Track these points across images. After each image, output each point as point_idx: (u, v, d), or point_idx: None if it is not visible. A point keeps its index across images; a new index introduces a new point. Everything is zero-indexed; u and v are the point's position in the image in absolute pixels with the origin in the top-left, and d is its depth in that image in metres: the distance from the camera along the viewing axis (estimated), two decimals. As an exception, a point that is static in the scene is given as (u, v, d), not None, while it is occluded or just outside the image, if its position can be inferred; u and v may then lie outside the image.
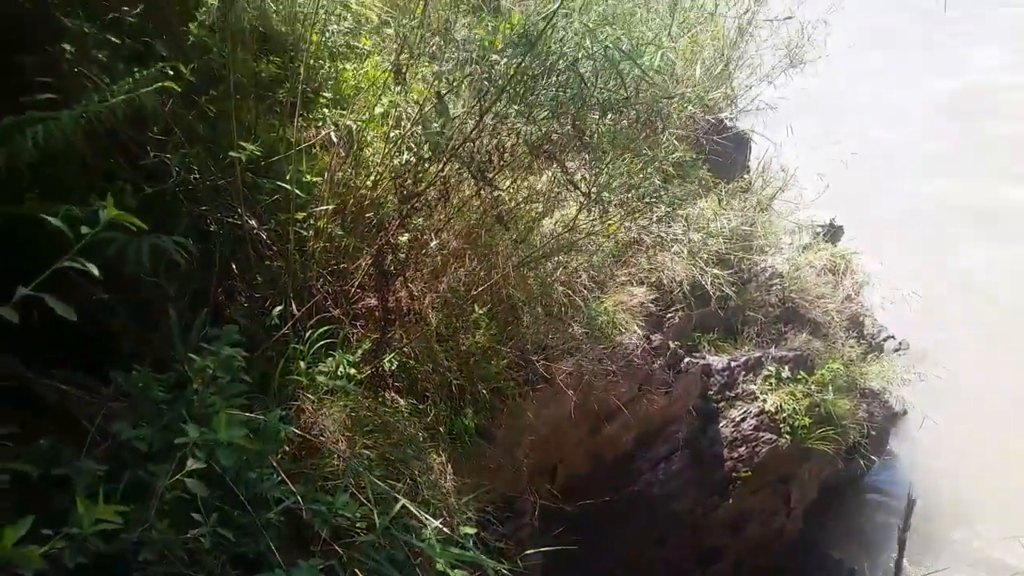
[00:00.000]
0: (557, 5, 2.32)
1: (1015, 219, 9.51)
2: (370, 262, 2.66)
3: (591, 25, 2.30)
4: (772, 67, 4.60)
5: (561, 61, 2.29)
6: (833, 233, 6.66)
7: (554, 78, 2.25)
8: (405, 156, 2.74)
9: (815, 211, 6.44)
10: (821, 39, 4.74)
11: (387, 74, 3.00)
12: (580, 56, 2.24)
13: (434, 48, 2.84)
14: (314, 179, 2.75)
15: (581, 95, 2.18)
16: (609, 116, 2.31)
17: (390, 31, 3.41)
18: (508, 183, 2.70)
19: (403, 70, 2.77)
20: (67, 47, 2.24)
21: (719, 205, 4.69)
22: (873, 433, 5.14)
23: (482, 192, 2.64)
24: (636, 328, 3.85)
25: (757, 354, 4.65)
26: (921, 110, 14.86)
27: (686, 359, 4.36)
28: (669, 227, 3.85)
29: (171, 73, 2.37)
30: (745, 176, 5.63)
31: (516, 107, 2.37)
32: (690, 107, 2.97)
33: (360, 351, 2.35)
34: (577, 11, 2.37)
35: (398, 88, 2.78)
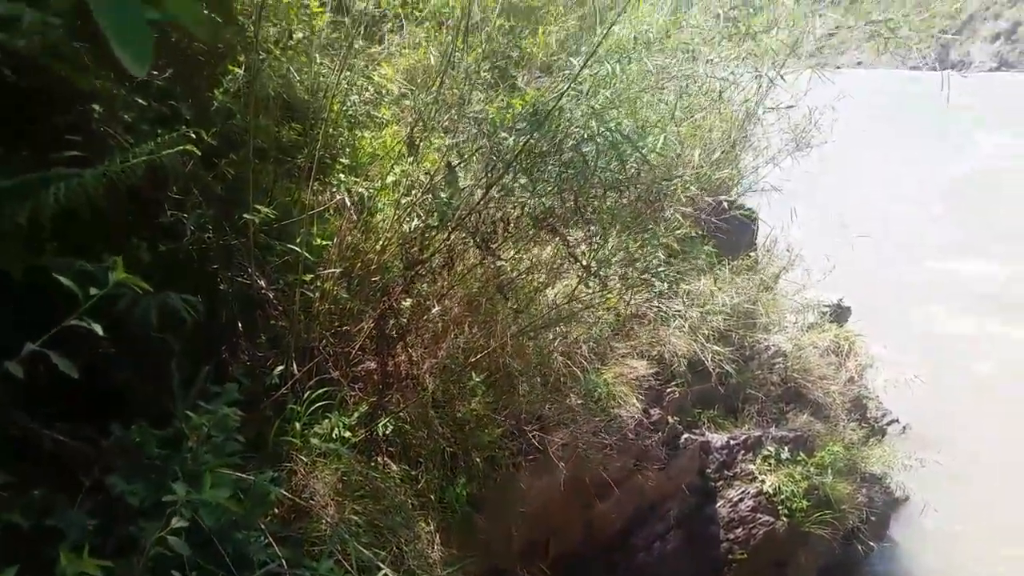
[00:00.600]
0: (566, 87, 2.42)
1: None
2: (372, 325, 2.71)
3: (597, 108, 2.40)
4: (778, 150, 4.70)
5: (567, 141, 2.38)
6: (840, 314, 6.68)
7: (559, 156, 2.33)
8: (414, 223, 2.82)
9: (822, 292, 6.50)
10: (828, 124, 4.87)
11: (402, 144, 3.12)
12: (585, 137, 2.33)
13: (447, 122, 2.96)
14: (324, 243, 2.83)
15: (584, 174, 2.26)
16: (610, 195, 2.38)
17: (409, 102, 3.55)
18: (511, 254, 2.77)
19: (417, 141, 2.88)
20: (96, 107, 2.34)
21: (723, 282, 4.74)
22: (873, 519, 5.06)
23: (485, 261, 2.70)
24: (635, 401, 3.86)
25: (757, 433, 4.63)
26: (929, 194, 15.21)
27: (684, 435, 4.34)
28: (671, 302, 3.90)
29: (193, 136, 2.49)
30: (751, 255, 5.70)
31: (522, 181, 2.45)
32: (693, 187, 3.04)
33: (356, 414, 2.38)
34: (585, 94, 2.47)
35: (411, 158, 2.88)
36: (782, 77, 3.61)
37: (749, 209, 5.89)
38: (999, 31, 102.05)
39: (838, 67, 5.42)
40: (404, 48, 4.18)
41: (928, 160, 18.23)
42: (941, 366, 7.54)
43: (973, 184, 16.42)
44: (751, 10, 3.23)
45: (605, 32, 2.36)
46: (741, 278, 5.04)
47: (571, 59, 2.86)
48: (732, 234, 5.35)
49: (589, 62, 2.45)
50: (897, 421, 6.85)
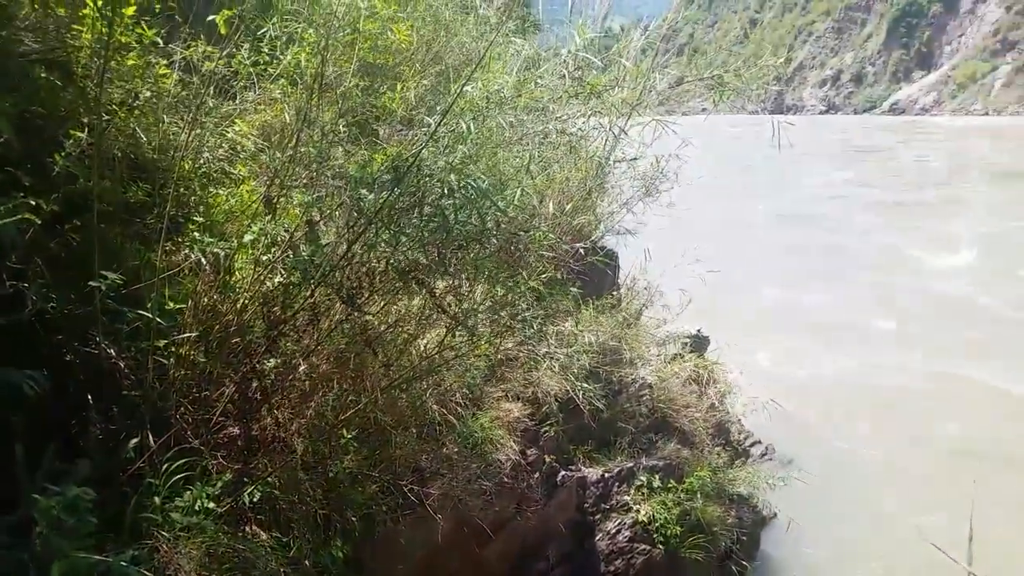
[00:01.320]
0: (424, 144, 2.49)
1: (854, 329, 10.47)
2: (234, 389, 2.64)
3: (455, 163, 2.48)
4: (630, 196, 4.99)
5: (428, 195, 2.44)
6: (699, 343, 7.06)
7: (420, 211, 2.39)
8: (276, 280, 2.78)
9: (681, 324, 6.88)
10: (675, 169, 5.22)
11: (259, 201, 3.08)
12: (444, 192, 2.40)
13: (306, 178, 2.95)
14: (178, 306, 2.73)
15: (445, 227, 2.32)
16: (472, 246, 2.45)
17: (266, 157, 3.52)
18: (378, 307, 2.78)
19: (274, 199, 2.85)
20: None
21: (589, 322, 4.92)
22: (744, 539, 5.32)
23: (352, 317, 2.70)
24: (511, 444, 3.92)
25: (630, 464, 4.80)
26: (767, 228, 16.78)
27: (562, 473, 4.44)
28: (541, 344, 4.02)
29: (33, 204, 2.36)
30: (614, 293, 5.97)
31: (385, 236, 2.48)
32: (551, 236, 3.17)
33: (220, 483, 2.29)
34: (443, 150, 2.55)
35: (269, 216, 2.84)
36: (625, 132, 3.85)
37: (609, 251, 6.19)
38: (825, 78, 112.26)
39: (684, 113, 5.87)
40: (259, 104, 4.14)
41: (766, 196, 20.41)
42: (793, 389, 8.12)
43: (802, 217, 18.41)
44: (594, 71, 3.46)
45: (458, 92, 2.46)
46: (605, 317, 5.25)
47: (427, 117, 2.95)
48: (595, 275, 5.59)
49: (445, 120, 2.54)
50: (759, 442, 7.29)
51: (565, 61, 3.59)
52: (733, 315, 9.96)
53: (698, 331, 7.15)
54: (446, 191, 2.40)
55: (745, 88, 4.58)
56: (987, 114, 68.75)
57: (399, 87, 4.43)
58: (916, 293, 11.96)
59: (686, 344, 6.66)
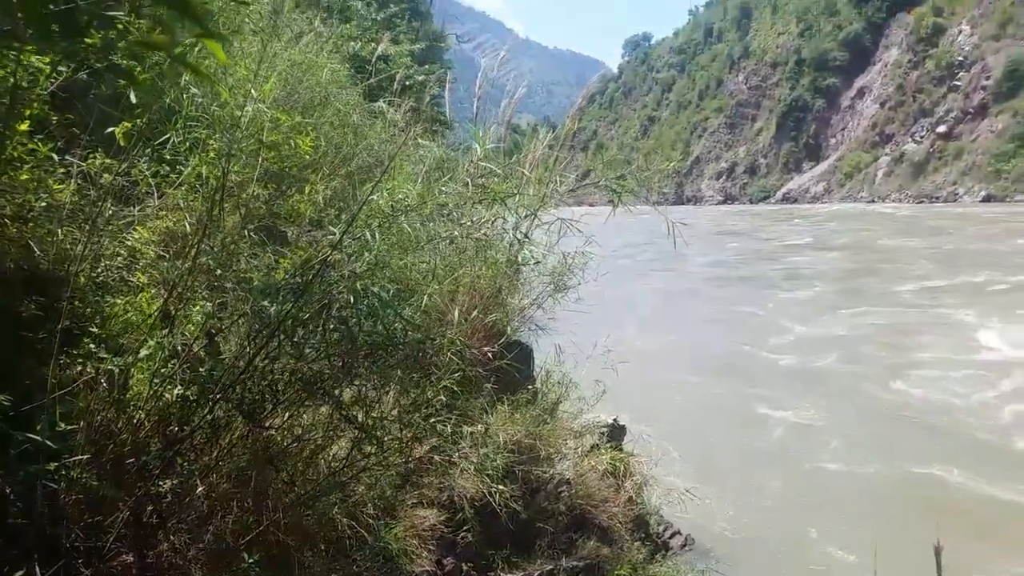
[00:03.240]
0: (326, 255, 2.49)
1: (758, 405, 10.80)
2: (128, 513, 2.48)
3: (360, 271, 2.49)
4: (540, 293, 5.09)
5: (332, 305, 2.43)
6: (615, 432, 7.10)
7: (324, 322, 2.37)
8: (174, 394, 2.67)
9: (597, 415, 6.94)
10: (583, 264, 5.38)
11: (157, 313, 2.99)
12: (349, 302, 2.39)
13: (207, 288, 2.89)
14: (70, 426, 2.58)
15: (350, 337, 2.30)
16: (379, 355, 2.44)
17: (167, 264, 3.44)
18: (282, 420, 2.70)
19: (172, 311, 2.77)
20: None
21: (504, 419, 4.90)
22: (668, 637, 5.25)
23: (254, 432, 2.61)
24: (426, 554, 3.80)
25: (549, 567, 4.70)
26: (667, 314, 17.70)
27: (480, 580, 4.31)
28: (456, 446, 3.97)
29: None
30: (529, 388, 5.99)
31: (288, 348, 2.44)
32: (460, 339, 3.19)
33: (109, 622, 2.12)
34: (347, 259, 2.55)
35: (166, 328, 2.76)
36: (527, 236, 3.97)
37: (524, 345, 6.25)
38: (721, 170, 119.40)
39: (591, 204, 6.10)
40: (161, 210, 4.08)
41: (662, 281, 21.88)
42: (709, 476, 8.24)
43: (696, 299, 19.89)
44: (496, 179, 3.59)
45: (363, 202, 2.50)
46: (521, 413, 5.24)
47: (337, 220, 2.97)
48: (509, 371, 5.61)
49: (350, 228, 2.56)
50: (679, 533, 7.30)
51: (468, 170, 3.71)
52: (646, 402, 10.16)
53: (614, 420, 7.21)
54: (352, 299, 2.39)
55: (646, 184, 4.83)
56: (872, 201, 74.08)
57: (307, 189, 4.45)
58: (804, 372, 12.47)
59: (603, 434, 6.69)
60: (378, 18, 15.78)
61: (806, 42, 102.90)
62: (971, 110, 71.40)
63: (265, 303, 2.36)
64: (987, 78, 70.52)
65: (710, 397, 11.62)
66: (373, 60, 8.07)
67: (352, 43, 11.57)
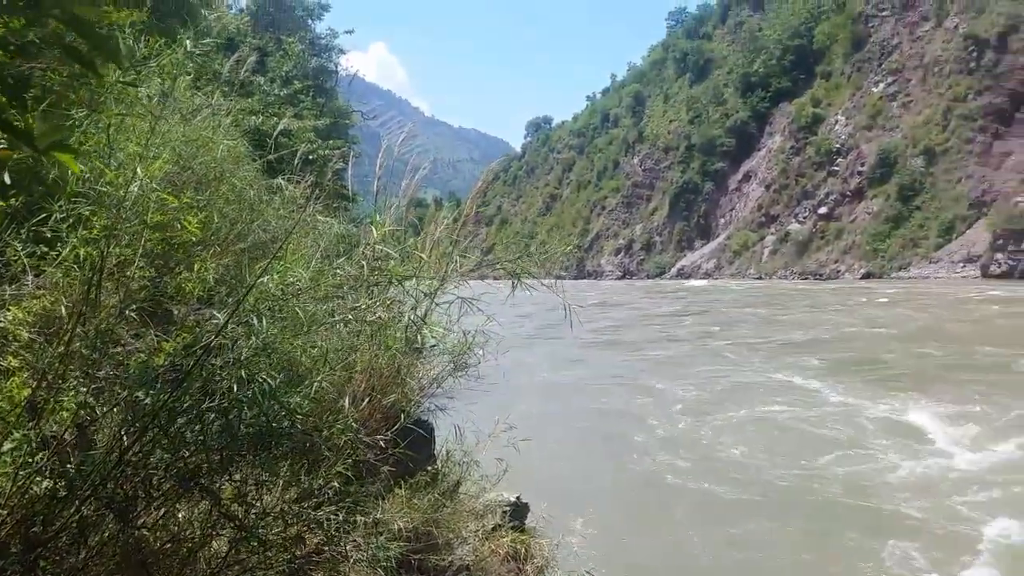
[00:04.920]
0: (210, 341, 2.39)
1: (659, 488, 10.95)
2: (-26, 632, 2.23)
3: (244, 359, 2.39)
4: (440, 372, 5.05)
5: (214, 396, 2.31)
6: (518, 511, 7.00)
7: (203, 413, 2.25)
8: (42, 486, 2.46)
9: (500, 493, 6.83)
10: (483, 342, 5.38)
11: (23, 403, 2.77)
12: (232, 391, 2.29)
13: (80, 376, 2.71)
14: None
15: (230, 431, 2.19)
16: (262, 447, 2.33)
17: (39, 347, 3.21)
18: (156, 517, 2.52)
19: (40, 402, 2.58)
20: None
21: (402, 504, 4.75)
22: None
23: (126, 531, 2.42)
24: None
25: (448, 660, 4.51)
26: (565, 389, 18.19)
27: None
28: (348, 535, 3.79)
29: None
30: (429, 469, 5.85)
31: (164, 441, 2.29)
32: (353, 425, 3.09)
33: None
34: (232, 344, 2.45)
35: (33, 421, 2.55)
36: (424, 320, 3.95)
37: (425, 425, 6.13)
38: (619, 247, 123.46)
39: (495, 278, 6.13)
40: (40, 289, 3.84)
41: (555, 350, 22.90)
42: (611, 555, 8.19)
43: (581, 366, 20.88)
44: (392, 262, 3.58)
45: (251, 287, 2.42)
46: (420, 496, 5.09)
47: (226, 298, 2.86)
48: (410, 452, 5.47)
49: (236, 312, 2.47)
50: (586, 617, 7.17)
51: (364, 252, 3.68)
52: (547, 475, 10.13)
53: (517, 498, 7.11)
54: (235, 388, 2.29)
55: (545, 264, 4.92)
56: (760, 278, 78.09)
57: (197, 267, 4.30)
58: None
59: (506, 512, 6.58)
60: (281, 94, 15.77)
61: (696, 129, 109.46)
62: (849, 193, 77.18)
63: (140, 394, 2.22)
64: (862, 164, 76.66)
65: (602, 463, 11.98)
66: (274, 135, 8.02)
67: (253, 117, 11.47)
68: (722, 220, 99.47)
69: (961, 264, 58.60)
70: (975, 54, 69.26)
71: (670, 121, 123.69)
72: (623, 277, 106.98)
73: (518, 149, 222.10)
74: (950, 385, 15.71)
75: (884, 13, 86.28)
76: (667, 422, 13.83)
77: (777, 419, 13.59)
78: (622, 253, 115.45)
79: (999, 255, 53.04)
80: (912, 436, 11.89)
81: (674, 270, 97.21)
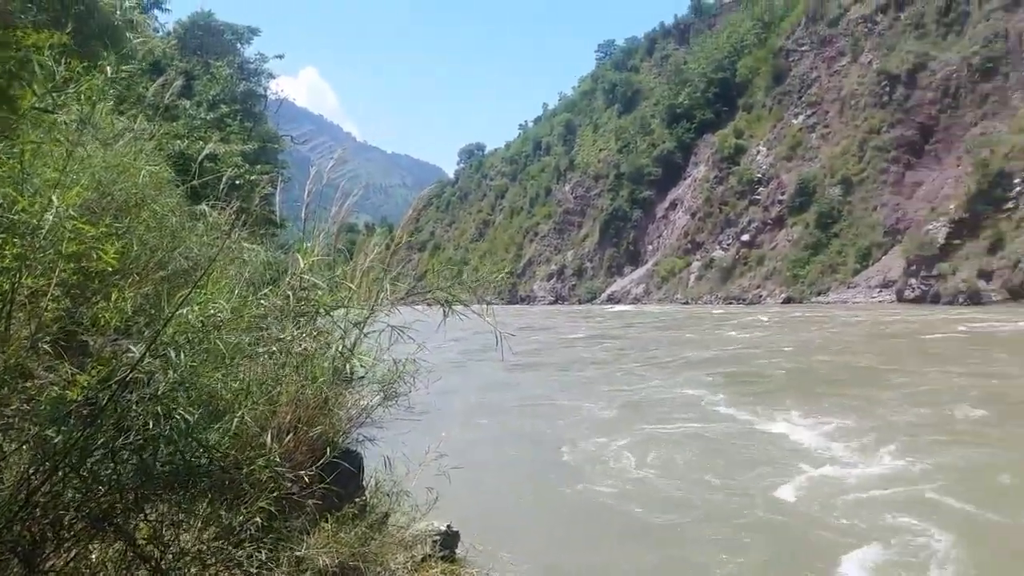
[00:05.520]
0: (126, 375, 2.32)
1: (596, 518, 11.01)
2: None
3: (161, 392, 2.32)
4: (369, 402, 4.99)
5: (129, 432, 2.24)
6: (448, 540, 6.92)
7: (116, 452, 2.17)
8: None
9: (430, 522, 6.75)
10: (414, 371, 5.34)
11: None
12: (148, 427, 2.22)
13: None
14: None
15: (144, 470, 2.12)
16: (179, 485, 2.26)
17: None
18: (66, 561, 2.41)
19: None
20: None
21: (328, 538, 4.65)
22: None
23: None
24: None
25: None
26: (494, 419, 18.33)
27: None
28: (271, 572, 3.69)
29: None
30: (357, 500, 5.74)
31: (75, 481, 2.21)
32: (276, 459, 3.03)
33: None
34: (148, 378, 2.38)
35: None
36: (351, 351, 3.92)
37: (353, 455, 6.02)
38: (552, 272, 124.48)
39: (428, 304, 6.10)
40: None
41: (490, 380, 23.14)
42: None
43: (508, 389, 21.28)
44: (319, 291, 3.55)
45: (169, 319, 2.36)
46: (346, 530, 4.99)
47: (139, 337, 2.78)
48: (337, 484, 5.36)
49: (154, 346, 2.41)
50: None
51: (290, 283, 3.63)
52: (478, 502, 10.07)
53: (447, 527, 7.04)
54: (151, 424, 2.22)
55: (478, 291, 4.94)
56: (686, 302, 79.91)
57: (114, 296, 4.17)
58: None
59: (436, 543, 6.50)
60: (208, 118, 15.47)
61: (624, 158, 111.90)
62: (770, 221, 79.94)
63: (50, 432, 2.13)
64: (782, 193, 79.59)
65: (529, 487, 12.07)
66: (199, 160, 7.84)
67: (178, 141, 11.21)
68: (650, 246, 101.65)
69: (878, 289, 61.26)
70: (888, 89, 73.10)
71: (600, 150, 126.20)
72: (555, 302, 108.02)
73: (451, 175, 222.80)
74: (835, 397, 17.65)
75: (803, 48, 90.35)
76: (586, 442, 14.22)
77: (685, 435, 14.54)
78: (554, 279, 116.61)
79: (912, 280, 55.65)
80: (807, 450, 12.89)
81: (604, 295, 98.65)
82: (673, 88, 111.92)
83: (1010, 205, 51.22)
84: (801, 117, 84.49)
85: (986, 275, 49.33)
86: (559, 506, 11.02)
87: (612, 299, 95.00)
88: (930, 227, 56.50)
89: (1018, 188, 51.08)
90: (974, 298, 48.90)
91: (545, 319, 62.75)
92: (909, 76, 71.66)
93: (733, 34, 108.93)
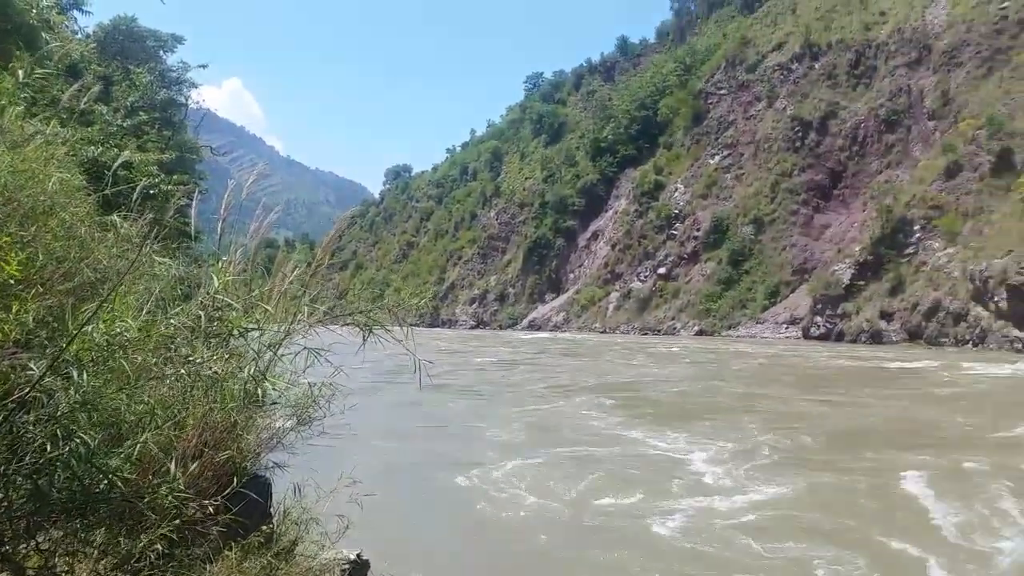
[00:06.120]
0: (22, 394, 2.20)
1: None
2: None
3: (61, 413, 2.22)
4: (281, 426, 4.86)
5: (24, 456, 2.13)
6: (357, 570, 6.77)
7: (9, 475, 2.05)
8: None
9: (340, 550, 6.58)
10: (329, 395, 5.23)
11: None
12: (45, 449, 2.11)
13: None
14: None
15: (40, 494, 2.01)
16: (75, 513, 2.15)
17: None
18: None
19: None
20: None
21: (232, 568, 4.48)
22: None
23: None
24: None
25: None
26: (405, 441, 18.36)
27: None
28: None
29: None
30: (264, 528, 5.56)
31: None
32: (180, 485, 2.92)
33: None
34: (47, 398, 2.27)
35: None
36: (264, 375, 3.83)
37: (261, 481, 5.83)
38: (474, 296, 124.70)
39: (346, 324, 5.99)
40: None
41: (405, 402, 23.39)
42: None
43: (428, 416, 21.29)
44: (235, 312, 3.45)
45: (72, 337, 2.26)
46: (252, 559, 4.82)
47: (39, 352, 2.65)
48: (244, 511, 5.18)
49: (55, 364, 2.30)
50: None
51: (203, 302, 3.53)
52: (389, 532, 9.92)
53: (357, 555, 6.89)
54: (48, 447, 2.12)
55: (398, 315, 4.90)
56: (604, 331, 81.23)
57: (15, 307, 3.96)
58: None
59: (344, 571, 6.36)
60: (125, 124, 14.94)
61: (549, 187, 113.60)
62: (686, 256, 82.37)
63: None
64: (697, 230, 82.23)
65: (439, 512, 12.16)
66: (113, 168, 7.56)
67: (92, 148, 10.74)
68: (572, 275, 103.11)
69: (785, 325, 63.75)
70: (800, 134, 76.83)
71: (526, 178, 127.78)
72: (477, 326, 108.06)
73: (377, 195, 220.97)
74: (711, 422, 19.55)
75: (722, 92, 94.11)
76: (493, 465, 14.58)
77: (579, 457, 15.40)
78: (476, 303, 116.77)
79: (818, 318, 58.14)
80: (686, 471, 14.05)
81: (526, 321, 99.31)
82: (598, 123, 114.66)
83: (910, 250, 54.30)
84: (717, 157, 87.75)
85: (887, 316, 51.99)
86: (466, 531, 11.10)
87: (533, 325, 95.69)
88: (836, 268, 59.33)
89: (918, 235, 54.23)
90: (876, 337, 51.43)
91: (464, 343, 63.12)
92: (820, 123, 75.57)
93: (656, 74, 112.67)
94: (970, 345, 42.46)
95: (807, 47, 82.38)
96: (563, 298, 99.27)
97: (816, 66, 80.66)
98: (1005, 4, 60.52)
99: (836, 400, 23.93)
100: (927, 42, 68.28)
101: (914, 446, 15.95)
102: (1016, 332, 38.82)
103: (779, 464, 14.35)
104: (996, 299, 40.60)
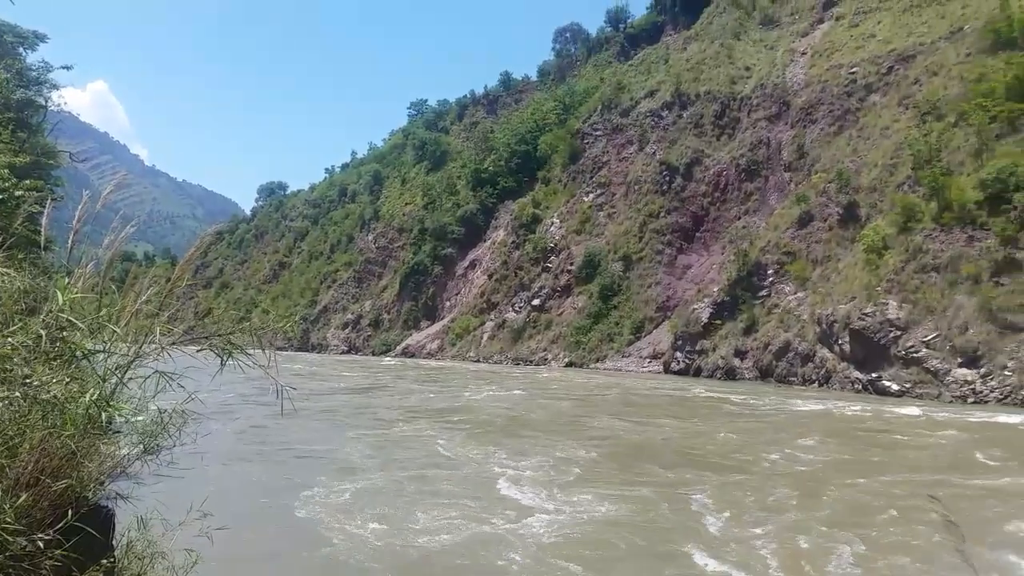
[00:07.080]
0: None
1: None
2: None
3: None
4: (126, 455, 4.60)
5: None
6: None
7: None
8: None
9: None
10: (182, 423, 5.00)
11: None
12: None
13: None
14: None
15: None
16: None
17: None
18: None
19: None
20: None
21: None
22: None
23: None
24: None
25: None
26: (257, 468, 17.93)
27: None
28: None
29: None
30: (104, 561, 5.20)
31: None
32: (8, 515, 2.71)
33: None
34: None
35: None
36: (109, 402, 3.63)
37: (103, 512, 5.47)
38: (347, 321, 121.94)
39: (209, 347, 5.73)
40: None
41: (259, 427, 22.90)
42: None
43: (280, 441, 21.23)
44: (79, 333, 3.26)
45: None
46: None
47: None
48: (84, 543, 4.84)
49: None
50: None
51: (45, 320, 3.31)
52: (241, 566, 9.55)
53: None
54: None
55: (263, 339, 4.76)
56: (478, 360, 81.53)
57: None
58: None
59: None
60: (-28, 125, 13.78)
61: (429, 214, 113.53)
62: (559, 288, 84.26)
63: None
64: (571, 264, 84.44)
65: (289, 541, 12.05)
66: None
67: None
68: (448, 303, 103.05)
69: (648, 359, 66.27)
70: (667, 178, 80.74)
71: (406, 204, 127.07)
72: (349, 351, 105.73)
73: (248, 212, 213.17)
74: (538, 442, 21.59)
75: (597, 133, 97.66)
76: (336, 490, 15.21)
77: (416, 479, 16.39)
78: (349, 328, 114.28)
79: (678, 354, 60.80)
80: (509, 489, 15.40)
81: (400, 348, 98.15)
82: (479, 153, 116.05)
83: (763, 293, 57.92)
84: (592, 195, 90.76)
85: (741, 354, 55.06)
86: (313, 564, 11.06)
87: (407, 352, 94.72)
88: (696, 307, 62.39)
89: (771, 278, 58.00)
90: (730, 373, 54.35)
91: (329, 368, 62.10)
92: (686, 169, 79.82)
93: (537, 111, 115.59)
94: (816, 384, 45.35)
95: (677, 96, 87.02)
96: (438, 326, 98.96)
97: (684, 115, 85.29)
98: (855, 69, 66.35)
99: (645, 423, 26.98)
100: (786, 98, 73.70)
101: (699, 463, 18.72)
102: (857, 373, 41.79)
103: (582, 479, 16.41)
104: (840, 342, 43.72)
